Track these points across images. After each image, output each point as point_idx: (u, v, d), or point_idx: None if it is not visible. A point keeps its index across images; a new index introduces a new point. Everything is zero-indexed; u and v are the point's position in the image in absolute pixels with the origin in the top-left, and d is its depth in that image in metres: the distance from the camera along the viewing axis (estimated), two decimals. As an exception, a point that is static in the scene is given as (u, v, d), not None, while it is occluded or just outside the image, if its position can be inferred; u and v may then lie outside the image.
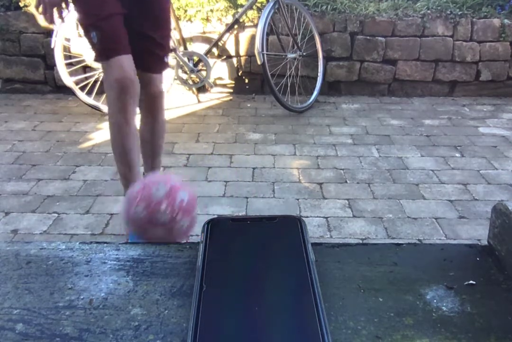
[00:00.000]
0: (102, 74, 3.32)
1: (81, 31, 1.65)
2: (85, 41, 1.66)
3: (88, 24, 1.54)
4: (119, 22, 1.55)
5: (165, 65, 1.79)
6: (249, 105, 3.59)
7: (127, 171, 1.72)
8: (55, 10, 1.50)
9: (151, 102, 1.80)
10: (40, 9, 1.48)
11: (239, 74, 3.77)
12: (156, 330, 0.44)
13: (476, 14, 3.63)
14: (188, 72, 3.37)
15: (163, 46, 1.73)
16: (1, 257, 0.54)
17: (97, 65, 3.41)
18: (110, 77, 1.58)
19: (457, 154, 2.75)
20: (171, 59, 3.32)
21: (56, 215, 2.09)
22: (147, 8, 1.63)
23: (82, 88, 3.22)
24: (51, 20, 1.49)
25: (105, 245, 0.57)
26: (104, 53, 1.56)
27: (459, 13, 3.60)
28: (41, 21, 3.54)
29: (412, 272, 0.52)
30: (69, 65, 3.25)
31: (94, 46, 1.56)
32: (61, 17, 1.53)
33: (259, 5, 3.49)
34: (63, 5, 1.51)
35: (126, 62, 1.57)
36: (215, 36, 3.53)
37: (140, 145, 1.83)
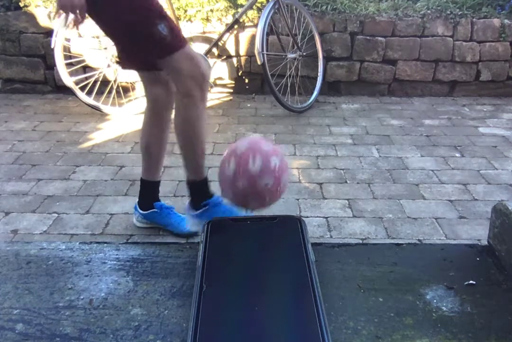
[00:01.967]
0: (101, 75, 3.33)
1: (134, 36, 1.52)
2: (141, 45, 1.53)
3: (155, 17, 1.46)
4: None
5: None
6: (249, 105, 3.59)
7: (202, 158, 1.71)
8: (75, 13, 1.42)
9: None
10: (63, 16, 1.41)
11: (239, 74, 3.77)
12: (156, 330, 0.44)
13: (476, 14, 3.63)
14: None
15: None
16: (1, 257, 0.53)
17: (98, 65, 3.42)
18: (191, 67, 1.52)
19: (457, 154, 2.75)
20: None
21: (56, 215, 2.09)
22: None
23: (82, 88, 3.22)
24: (75, 24, 1.41)
25: (105, 245, 0.57)
26: (177, 43, 1.50)
27: (459, 13, 3.60)
28: (43, 19, 3.54)
29: (412, 272, 0.52)
30: (69, 65, 3.25)
31: (163, 40, 1.47)
32: (82, 18, 1.42)
33: (259, 5, 3.49)
34: (81, 8, 1.41)
35: (194, 50, 1.56)
36: (215, 36, 3.53)
37: (150, 143, 1.84)
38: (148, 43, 1.50)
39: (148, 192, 1.94)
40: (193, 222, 1.82)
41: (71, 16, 1.39)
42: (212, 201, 1.76)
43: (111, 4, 1.44)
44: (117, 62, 1.76)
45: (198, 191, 1.79)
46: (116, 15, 1.46)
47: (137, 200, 1.97)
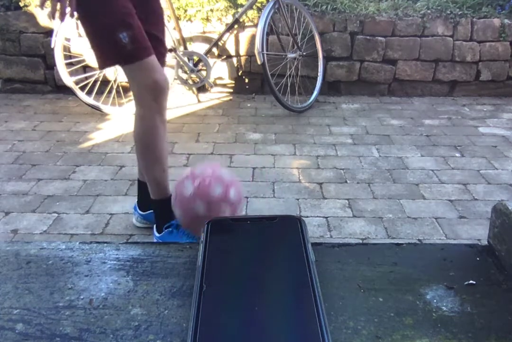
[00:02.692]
0: (101, 75, 3.33)
1: (97, 36, 1.51)
2: (101, 46, 1.53)
3: (116, 24, 1.45)
4: (139, 21, 1.50)
5: (165, 63, 1.78)
6: (249, 105, 3.59)
7: (161, 173, 1.66)
8: (58, 6, 1.39)
9: None
10: (46, 5, 1.39)
11: (239, 74, 3.77)
12: (156, 330, 0.44)
13: (476, 14, 3.63)
14: (188, 72, 3.37)
15: (164, 43, 1.72)
16: (1, 257, 0.54)
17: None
18: (147, 78, 1.51)
19: (457, 154, 2.75)
20: (171, 59, 3.32)
21: (56, 214, 2.09)
22: (151, 7, 1.61)
23: (82, 88, 3.22)
24: (53, 16, 1.38)
25: (105, 245, 0.57)
26: (137, 53, 1.49)
27: (459, 13, 3.60)
28: (43, 19, 3.54)
29: (412, 272, 0.52)
30: (69, 65, 3.25)
31: (123, 48, 1.46)
32: (63, 13, 1.40)
33: (259, 5, 3.49)
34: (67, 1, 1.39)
35: (156, 60, 1.53)
36: (215, 36, 3.53)
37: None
38: (108, 48, 1.50)
39: (146, 193, 1.91)
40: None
41: (60, 5, 1.36)
42: (176, 222, 1.70)
43: (84, 5, 1.43)
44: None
45: (160, 211, 1.73)
46: (86, 17, 1.46)
47: (136, 200, 1.97)
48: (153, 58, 1.53)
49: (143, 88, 1.54)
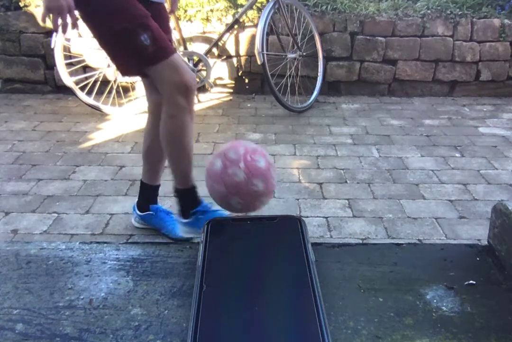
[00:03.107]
0: (101, 75, 3.33)
1: (117, 42, 1.50)
2: (123, 52, 1.51)
3: (135, 27, 1.44)
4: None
5: None
6: (249, 105, 3.59)
7: (189, 167, 1.70)
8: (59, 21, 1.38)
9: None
10: (50, 17, 1.36)
11: (239, 74, 3.77)
12: (156, 330, 0.44)
13: (476, 14, 3.63)
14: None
15: (173, 44, 1.73)
16: (1, 257, 0.53)
17: (98, 65, 3.42)
18: (175, 77, 1.51)
19: (457, 154, 2.75)
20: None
21: (56, 215, 2.09)
22: (156, 7, 1.60)
23: (82, 88, 3.22)
24: (55, 30, 1.38)
25: (105, 245, 0.57)
26: (160, 53, 1.48)
27: (459, 13, 3.60)
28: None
29: (412, 272, 0.52)
30: (69, 65, 3.25)
31: (145, 50, 1.46)
32: (65, 26, 1.38)
33: (259, 5, 3.49)
34: (70, 10, 1.37)
35: (181, 60, 1.53)
36: (215, 36, 3.53)
37: (149, 148, 1.83)
38: (130, 52, 1.49)
39: (146, 195, 1.94)
40: (184, 230, 1.81)
41: (60, 19, 1.35)
42: (201, 208, 1.74)
43: (97, 11, 1.43)
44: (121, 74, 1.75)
45: (187, 199, 1.77)
46: (101, 22, 1.44)
47: (136, 200, 1.98)
48: (177, 57, 1.53)
49: (172, 87, 1.54)
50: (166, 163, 1.80)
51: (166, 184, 2.35)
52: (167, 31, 1.69)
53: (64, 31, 1.38)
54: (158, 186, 1.93)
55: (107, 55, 1.59)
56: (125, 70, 1.62)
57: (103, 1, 1.43)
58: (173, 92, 1.55)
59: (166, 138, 1.67)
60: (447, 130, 3.12)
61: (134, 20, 1.45)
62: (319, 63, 3.54)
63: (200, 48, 3.51)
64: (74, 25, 1.39)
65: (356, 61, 3.69)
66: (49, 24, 3.54)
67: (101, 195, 2.25)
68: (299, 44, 3.45)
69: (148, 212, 1.92)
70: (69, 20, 1.37)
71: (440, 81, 3.76)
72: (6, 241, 1.79)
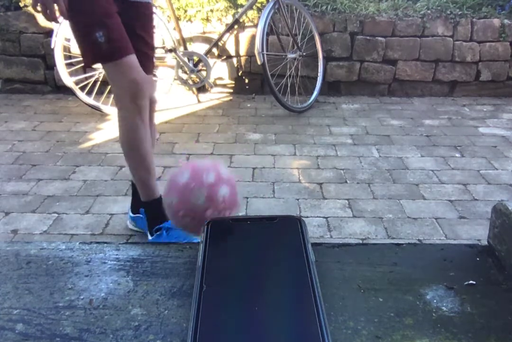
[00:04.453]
0: (101, 75, 3.33)
1: (78, 35, 1.51)
2: (82, 45, 1.53)
3: (93, 23, 1.45)
4: (120, 21, 1.50)
5: (154, 65, 1.76)
6: (249, 105, 3.59)
7: (147, 175, 1.66)
8: (55, 7, 1.39)
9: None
10: (39, 7, 1.38)
11: (239, 74, 3.77)
12: (156, 330, 0.44)
13: (476, 14, 3.63)
14: (188, 72, 3.37)
15: (152, 46, 1.70)
16: (1, 257, 0.53)
17: (98, 65, 3.42)
18: (123, 78, 1.51)
19: (457, 154, 2.75)
20: (171, 59, 3.32)
21: (56, 215, 2.09)
22: (136, 7, 1.59)
23: (82, 88, 3.23)
24: (53, 18, 1.39)
25: (105, 245, 0.57)
26: (113, 52, 1.48)
27: (459, 13, 3.60)
28: (43, 19, 3.54)
29: (412, 272, 0.52)
30: (69, 65, 3.25)
31: (99, 47, 1.47)
32: (63, 13, 1.40)
33: (259, 5, 3.49)
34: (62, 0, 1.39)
35: (136, 61, 1.52)
36: (215, 36, 3.53)
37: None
38: (87, 47, 1.50)
39: (136, 196, 1.88)
40: None
41: (50, 8, 1.36)
42: (166, 224, 1.68)
43: (71, 3, 1.43)
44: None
45: (150, 213, 1.72)
46: (70, 16, 1.46)
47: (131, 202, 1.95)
48: (131, 58, 1.52)
49: (121, 88, 1.54)
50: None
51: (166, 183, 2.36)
52: (149, 31, 1.67)
53: (54, 19, 1.40)
54: None
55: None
56: (84, 61, 1.61)
57: None
58: (121, 94, 1.54)
59: (120, 140, 1.65)
60: (447, 131, 3.12)
61: (93, 17, 1.46)
62: (319, 63, 3.54)
63: (200, 48, 3.52)
64: (62, 13, 1.39)
65: (356, 61, 3.69)
66: (49, 24, 3.54)
67: (101, 195, 2.25)
68: (299, 44, 3.45)
69: (138, 215, 1.88)
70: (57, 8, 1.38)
71: (440, 81, 3.76)
72: (6, 241, 1.79)
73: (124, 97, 1.54)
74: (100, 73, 3.34)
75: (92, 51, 1.51)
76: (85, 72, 3.42)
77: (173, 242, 0.62)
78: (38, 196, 2.24)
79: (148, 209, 1.73)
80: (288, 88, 3.43)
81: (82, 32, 1.49)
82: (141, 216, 1.87)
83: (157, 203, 1.68)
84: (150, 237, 1.75)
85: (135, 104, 1.55)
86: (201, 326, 0.42)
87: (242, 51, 3.68)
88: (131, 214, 1.94)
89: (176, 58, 3.30)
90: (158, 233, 1.71)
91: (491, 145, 2.87)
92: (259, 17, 3.25)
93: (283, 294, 0.46)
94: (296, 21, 3.40)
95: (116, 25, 1.49)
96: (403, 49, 3.63)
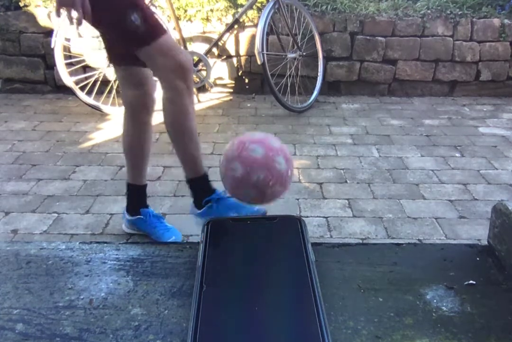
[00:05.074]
0: (101, 75, 3.33)
1: (110, 27, 1.45)
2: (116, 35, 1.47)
3: (124, 7, 1.40)
4: None
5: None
6: (249, 105, 3.59)
7: (197, 153, 1.66)
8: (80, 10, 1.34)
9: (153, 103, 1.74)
10: (63, 11, 1.33)
11: (239, 74, 3.77)
12: (156, 330, 0.44)
13: (476, 14, 3.63)
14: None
15: None
16: (1, 257, 0.53)
17: (98, 65, 3.42)
18: (170, 60, 1.46)
19: (457, 154, 2.75)
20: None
21: (56, 215, 2.09)
22: None
23: (82, 88, 3.22)
24: (79, 21, 1.34)
25: (105, 245, 0.57)
26: (152, 32, 1.44)
27: (459, 13, 3.60)
28: (43, 19, 3.54)
29: (412, 272, 0.52)
30: (69, 65, 3.25)
31: (137, 29, 1.41)
32: (88, 15, 1.35)
33: (259, 5, 3.49)
34: (84, 1, 1.33)
35: (174, 40, 1.48)
36: (215, 36, 3.53)
37: (129, 144, 1.78)
38: (121, 33, 1.45)
39: (134, 197, 1.87)
40: (198, 221, 1.76)
41: (74, 13, 1.32)
42: (214, 196, 1.70)
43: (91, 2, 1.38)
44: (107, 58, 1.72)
45: (199, 188, 1.73)
46: (93, 5, 1.39)
47: (126, 204, 1.90)
48: (170, 36, 1.49)
49: (168, 69, 1.48)
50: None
51: (166, 183, 2.36)
52: None
53: (79, 23, 1.34)
54: (144, 186, 1.86)
55: (104, 41, 1.56)
56: (118, 57, 1.56)
57: None
58: (169, 75, 1.49)
59: (170, 123, 1.61)
60: (447, 130, 3.12)
61: (123, 1, 1.41)
62: (319, 63, 3.54)
63: (200, 48, 3.51)
64: (88, 17, 1.35)
65: (356, 61, 3.69)
66: (49, 24, 3.54)
67: (101, 195, 2.25)
68: (299, 44, 3.45)
69: (138, 216, 1.85)
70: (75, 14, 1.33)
71: (440, 81, 3.76)
72: (6, 241, 1.79)
73: (173, 78, 1.49)
74: (100, 73, 3.34)
75: (133, 36, 1.44)
76: (85, 72, 3.42)
77: (173, 242, 0.62)
78: (38, 196, 2.24)
79: (198, 183, 1.72)
80: (288, 88, 3.43)
81: (114, 21, 1.43)
82: (142, 217, 1.85)
83: (205, 177, 1.71)
84: (198, 210, 1.73)
85: (185, 84, 1.51)
86: (201, 326, 0.42)
87: (242, 51, 3.68)
88: (128, 217, 1.88)
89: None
90: (208, 204, 1.70)
91: (491, 145, 2.87)
92: (259, 17, 3.25)
93: (283, 294, 0.46)
94: (296, 21, 3.40)
95: (145, 4, 1.46)
96: (403, 49, 3.63)
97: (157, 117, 1.76)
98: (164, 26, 1.50)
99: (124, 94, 1.71)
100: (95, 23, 1.47)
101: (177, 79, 1.50)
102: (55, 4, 1.34)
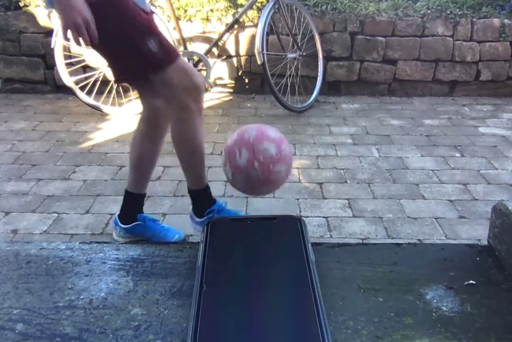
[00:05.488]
0: (101, 75, 3.33)
1: (125, 52, 1.46)
2: (132, 60, 1.46)
3: (144, 34, 1.42)
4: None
5: None
6: (249, 105, 3.59)
7: (201, 170, 1.71)
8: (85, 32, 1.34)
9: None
10: (70, 34, 1.34)
11: (239, 74, 3.77)
12: (156, 330, 0.44)
13: (476, 14, 3.63)
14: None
15: None
16: (1, 257, 0.53)
17: (98, 65, 3.42)
18: (184, 81, 1.49)
19: (457, 154, 2.75)
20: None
21: (56, 215, 2.09)
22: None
23: (82, 88, 3.22)
24: (86, 42, 1.34)
25: (105, 245, 0.57)
26: (168, 57, 1.46)
27: (459, 13, 3.60)
28: (43, 19, 3.55)
29: (412, 272, 0.52)
30: (69, 65, 3.25)
31: (153, 56, 1.44)
32: (94, 37, 1.35)
33: (259, 5, 3.49)
34: (88, 25, 1.33)
35: (187, 62, 1.52)
36: (215, 36, 3.53)
37: (140, 158, 1.77)
38: (139, 60, 1.47)
39: (133, 205, 1.83)
40: (197, 228, 1.82)
41: (82, 34, 1.33)
42: (216, 207, 1.76)
43: (105, 19, 1.39)
44: (114, 81, 1.73)
45: (201, 199, 1.78)
46: (106, 31, 1.40)
47: (117, 213, 1.85)
48: (182, 59, 1.52)
49: (182, 90, 1.51)
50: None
51: (166, 183, 2.36)
52: None
53: (86, 44, 1.36)
54: (145, 194, 1.84)
55: (109, 63, 1.55)
56: (128, 78, 1.58)
57: (109, 9, 1.40)
58: (182, 96, 1.52)
59: (180, 142, 1.64)
60: (447, 130, 3.12)
61: (141, 27, 1.42)
62: (319, 63, 3.54)
63: (200, 48, 3.52)
64: (94, 39, 1.35)
65: (356, 61, 3.69)
66: (49, 24, 3.54)
67: (101, 195, 2.25)
68: (299, 44, 3.45)
69: (136, 223, 1.82)
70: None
71: (440, 81, 3.76)
72: (6, 241, 1.79)
73: (186, 99, 1.52)
74: (100, 73, 3.34)
75: (147, 62, 1.46)
76: (85, 72, 3.42)
77: (173, 242, 0.62)
78: (38, 196, 2.24)
79: (199, 195, 1.77)
80: (288, 88, 3.43)
81: (129, 46, 1.44)
82: (139, 222, 1.82)
83: (207, 189, 1.76)
84: (199, 219, 1.79)
85: (196, 105, 1.54)
86: (201, 326, 0.42)
87: (242, 51, 3.68)
88: (122, 226, 1.83)
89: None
90: (209, 215, 1.76)
91: (491, 145, 2.87)
92: (259, 17, 3.25)
93: (283, 294, 0.47)
94: (296, 21, 3.40)
95: (159, 30, 1.48)
96: (403, 49, 3.63)
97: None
98: (177, 50, 1.53)
99: (144, 104, 1.69)
100: (104, 48, 1.47)
101: (190, 99, 1.52)
102: (61, 26, 1.34)
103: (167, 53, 1.47)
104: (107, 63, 1.58)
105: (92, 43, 1.37)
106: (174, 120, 1.61)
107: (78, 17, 1.30)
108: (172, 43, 3.17)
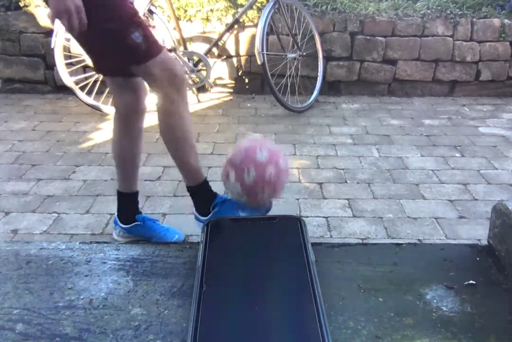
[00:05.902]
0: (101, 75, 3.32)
1: (110, 42, 1.46)
2: (116, 51, 1.47)
3: (127, 26, 1.42)
4: None
5: None
6: (249, 105, 3.59)
7: (196, 162, 1.67)
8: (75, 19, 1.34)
9: (143, 113, 1.74)
10: (58, 20, 1.33)
11: (239, 74, 3.77)
12: (156, 330, 0.44)
13: (476, 14, 3.63)
14: (188, 72, 3.37)
15: None
16: (1, 257, 0.53)
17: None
18: (167, 72, 1.50)
19: (457, 154, 2.75)
20: (171, 59, 3.31)
21: (56, 214, 2.09)
22: None
23: (82, 88, 3.22)
24: (74, 28, 1.34)
25: (105, 245, 0.57)
26: (152, 50, 1.47)
27: (459, 13, 3.60)
28: (43, 19, 3.55)
29: (412, 272, 0.52)
30: (69, 65, 3.25)
31: (139, 47, 1.45)
32: (82, 24, 1.35)
33: (259, 5, 3.49)
34: (79, 11, 1.32)
35: (169, 54, 1.53)
36: (215, 36, 3.53)
37: (121, 155, 1.76)
38: (122, 51, 1.47)
39: (128, 205, 1.84)
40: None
41: (72, 20, 1.32)
42: (218, 200, 1.69)
43: (89, 8, 1.37)
44: (93, 70, 1.72)
45: (202, 195, 1.72)
46: (93, 22, 1.39)
47: (116, 213, 1.86)
48: (166, 50, 1.53)
49: (164, 82, 1.52)
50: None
51: (166, 183, 2.36)
52: None
53: (74, 32, 1.37)
54: (137, 193, 1.84)
55: (90, 54, 1.56)
56: (110, 70, 1.58)
57: (95, 0, 1.39)
58: (166, 87, 1.53)
59: (167, 134, 1.63)
60: (447, 130, 3.12)
61: (126, 19, 1.43)
62: (319, 63, 3.54)
63: (200, 48, 3.52)
64: (84, 26, 1.36)
65: (356, 61, 3.69)
66: (49, 24, 3.54)
67: (101, 195, 2.25)
68: (299, 44, 3.45)
69: (135, 223, 1.83)
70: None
71: (440, 81, 3.76)
72: (6, 241, 1.79)
73: (170, 89, 1.53)
74: (100, 73, 3.34)
75: (131, 54, 1.47)
76: (84, 72, 3.42)
77: (173, 242, 0.62)
78: (38, 196, 2.25)
79: (199, 191, 1.72)
80: (288, 88, 3.43)
81: (115, 38, 1.45)
82: (139, 223, 1.82)
83: (206, 184, 1.71)
84: (204, 217, 1.71)
85: (180, 95, 1.55)
86: (201, 326, 0.42)
87: (242, 51, 3.68)
88: (122, 225, 1.84)
89: (176, 58, 3.30)
90: (214, 210, 1.70)
91: (491, 145, 2.87)
92: (259, 17, 3.25)
93: (283, 293, 0.47)
94: (296, 21, 3.40)
95: (144, 22, 1.48)
96: (403, 49, 3.64)
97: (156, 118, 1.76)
98: (161, 43, 1.54)
99: (116, 101, 1.70)
100: (87, 38, 1.47)
101: (174, 90, 1.53)
102: (50, 12, 1.34)
103: (152, 45, 1.48)
104: (88, 54, 1.59)
105: (82, 29, 1.36)
106: (159, 112, 1.61)
107: (71, 4, 1.31)
108: (172, 43, 3.17)
